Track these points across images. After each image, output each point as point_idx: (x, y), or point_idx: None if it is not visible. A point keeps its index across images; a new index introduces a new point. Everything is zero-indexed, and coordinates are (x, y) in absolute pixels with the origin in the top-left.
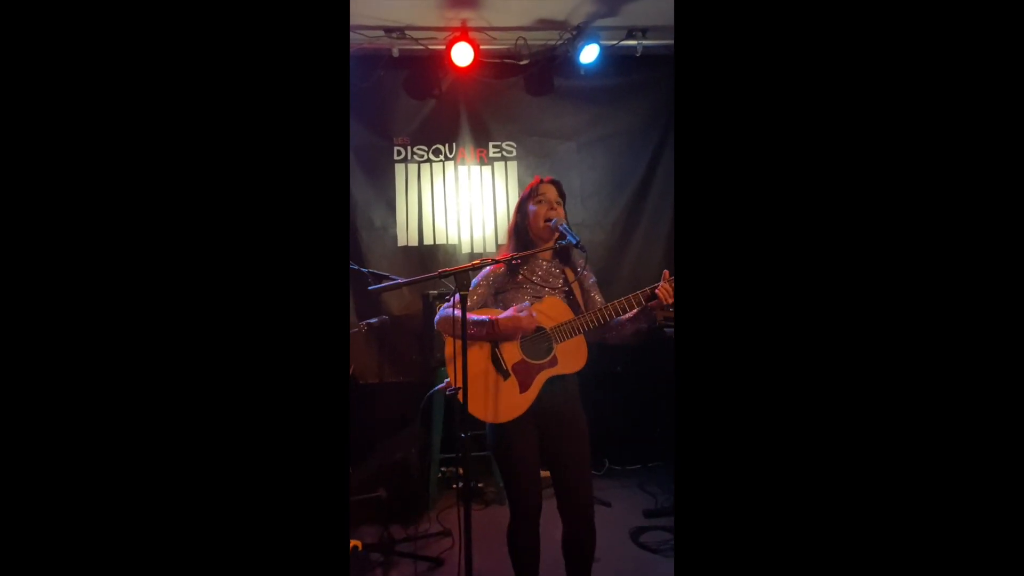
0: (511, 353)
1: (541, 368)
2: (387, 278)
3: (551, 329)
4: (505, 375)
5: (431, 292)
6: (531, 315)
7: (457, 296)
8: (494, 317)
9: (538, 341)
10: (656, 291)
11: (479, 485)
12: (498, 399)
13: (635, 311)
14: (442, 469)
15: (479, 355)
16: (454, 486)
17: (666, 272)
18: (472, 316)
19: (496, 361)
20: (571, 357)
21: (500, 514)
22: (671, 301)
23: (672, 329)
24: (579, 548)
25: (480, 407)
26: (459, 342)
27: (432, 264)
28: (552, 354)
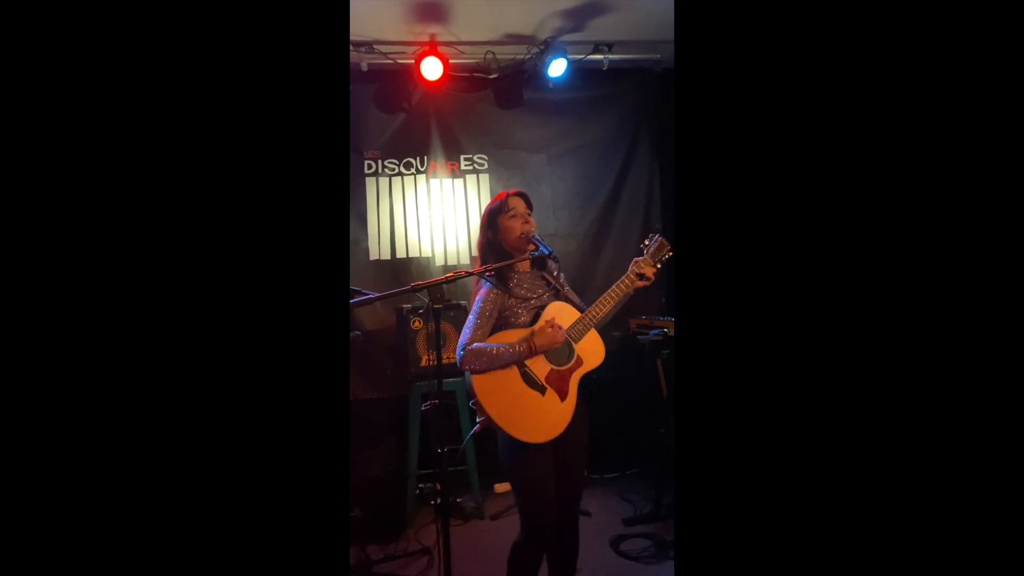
0: (539, 367)
1: (572, 371)
2: (359, 293)
3: (567, 330)
4: (542, 390)
5: (405, 306)
6: (558, 327)
7: (470, 328)
8: (527, 335)
9: (559, 347)
10: (639, 271)
11: (457, 500)
12: (545, 415)
13: (629, 293)
14: (420, 486)
15: (509, 380)
16: (432, 502)
17: (636, 259)
18: (499, 344)
19: (528, 379)
20: (593, 351)
21: (480, 529)
22: (653, 271)
23: (645, 336)
24: (566, 558)
25: (530, 431)
26: (489, 376)
27: (405, 278)
28: (576, 355)
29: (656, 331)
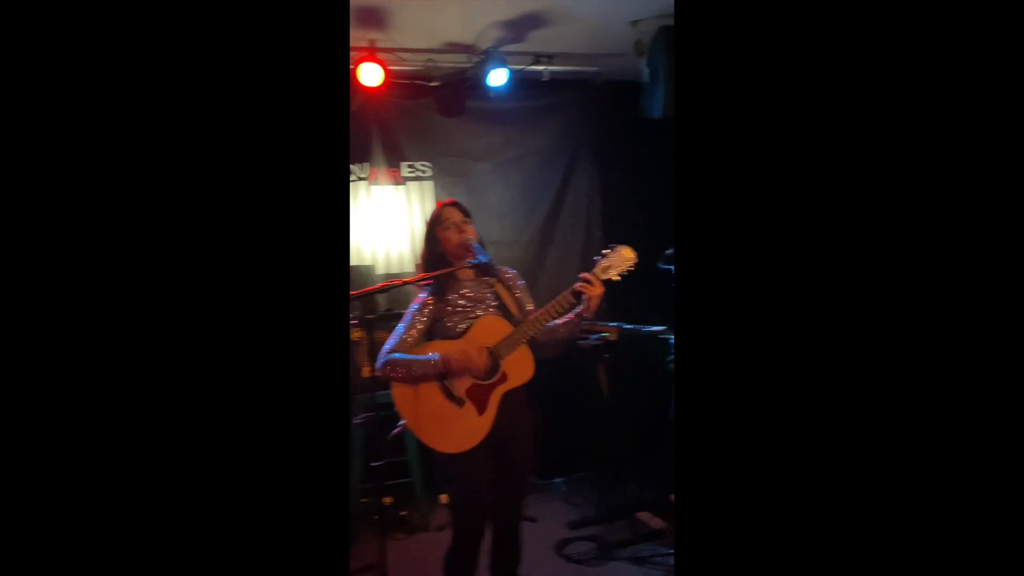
0: (461, 380)
1: (494, 386)
2: None
3: (494, 346)
4: (460, 403)
5: None
6: (482, 350)
7: (397, 336)
8: (444, 353)
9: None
10: (576, 288)
11: (402, 513)
12: (459, 428)
13: (570, 316)
14: (362, 500)
15: (428, 391)
16: (375, 517)
17: (583, 274)
18: (417, 356)
19: (447, 391)
20: (519, 368)
21: (426, 541)
22: (594, 291)
23: (586, 341)
24: (506, 566)
25: (444, 441)
26: (409, 385)
27: None
28: (501, 370)
29: (596, 336)
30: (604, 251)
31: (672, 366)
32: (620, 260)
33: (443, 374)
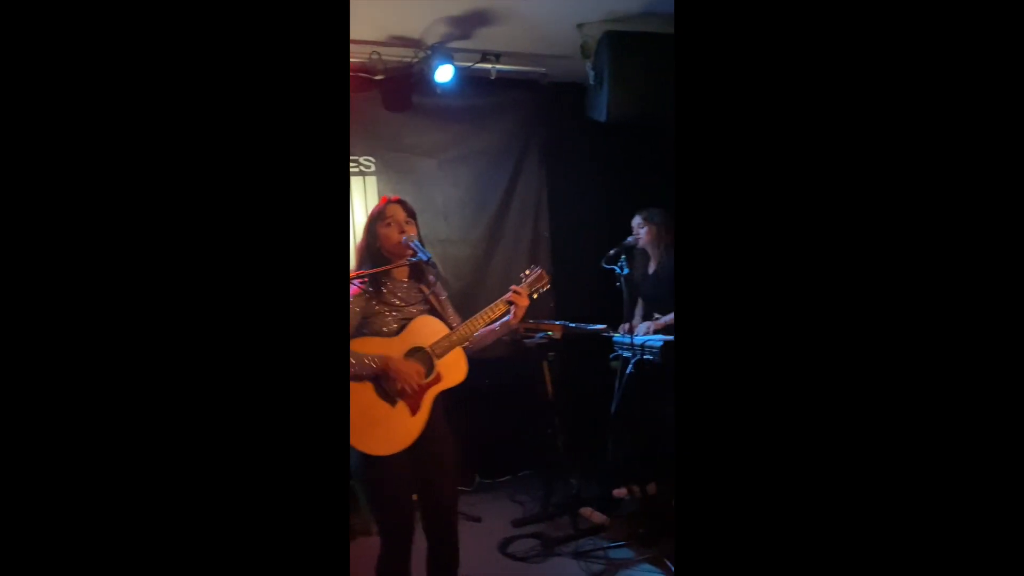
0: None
1: (428, 386)
2: None
3: (430, 346)
4: (392, 402)
5: None
6: (419, 370)
7: None
8: (385, 361)
9: (420, 361)
10: (508, 297)
11: None
12: (392, 428)
13: (500, 323)
14: None
15: (360, 389)
16: None
17: (514, 286)
18: (355, 352)
19: (381, 390)
20: (454, 369)
21: (367, 546)
22: (522, 302)
23: (531, 340)
24: (443, 565)
25: (373, 443)
26: None
27: None
28: (436, 371)
29: (541, 334)
30: (526, 271)
31: (614, 363)
32: (539, 280)
33: (377, 375)
